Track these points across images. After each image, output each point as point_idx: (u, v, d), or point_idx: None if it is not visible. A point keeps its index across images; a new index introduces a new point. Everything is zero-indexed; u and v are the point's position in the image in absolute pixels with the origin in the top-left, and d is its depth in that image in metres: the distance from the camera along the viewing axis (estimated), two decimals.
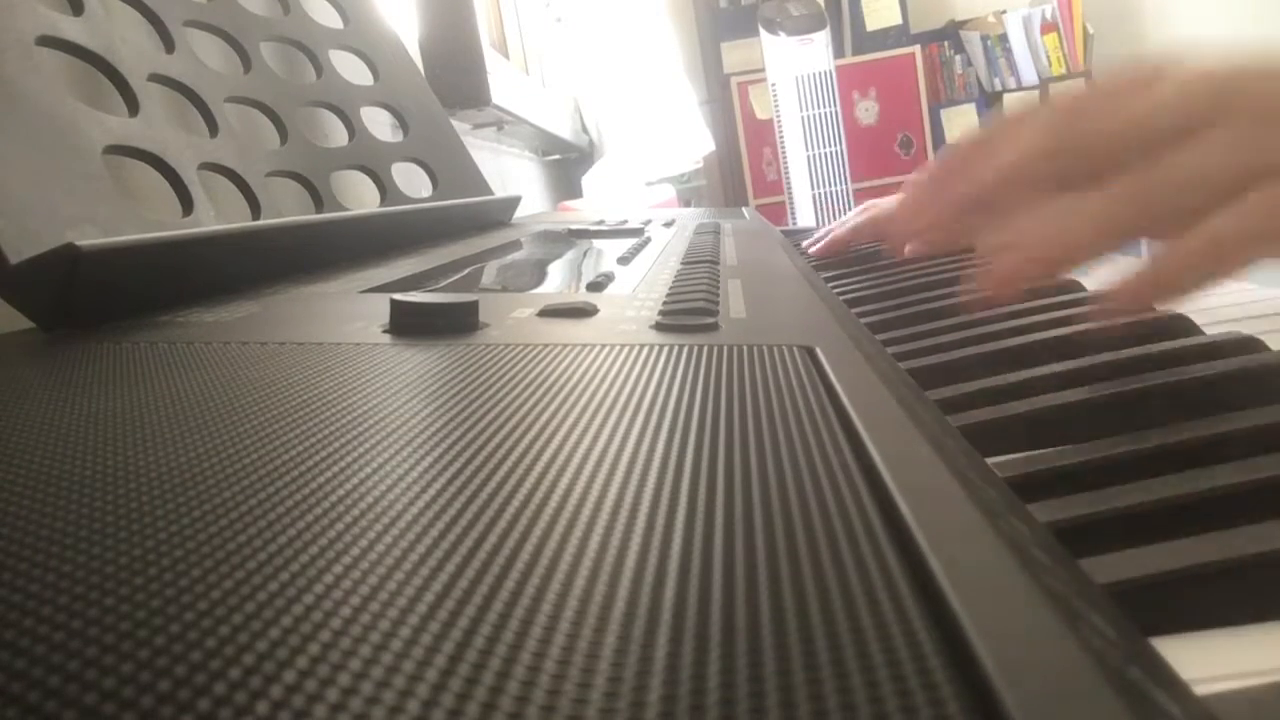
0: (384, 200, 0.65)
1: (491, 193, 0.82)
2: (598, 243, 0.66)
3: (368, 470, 0.16)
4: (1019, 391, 0.29)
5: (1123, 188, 0.28)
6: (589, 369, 0.23)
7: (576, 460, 0.16)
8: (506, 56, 1.47)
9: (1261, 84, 0.27)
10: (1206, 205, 0.26)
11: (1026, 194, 0.32)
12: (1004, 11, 2.92)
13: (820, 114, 2.57)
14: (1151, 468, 0.23)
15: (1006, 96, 2.92)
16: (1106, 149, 0.29)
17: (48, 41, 0.39)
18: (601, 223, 0.80)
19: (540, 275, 0.49)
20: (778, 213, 2.69)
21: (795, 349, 0.25)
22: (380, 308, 0.32)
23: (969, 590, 0.11)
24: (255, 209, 0.49)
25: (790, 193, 2.64)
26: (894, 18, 2.95)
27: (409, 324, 0.29)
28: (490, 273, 0.49)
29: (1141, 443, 0.24)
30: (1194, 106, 0.27)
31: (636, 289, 0.37)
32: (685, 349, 0.25)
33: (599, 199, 1.76)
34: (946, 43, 2.96)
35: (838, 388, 0.21)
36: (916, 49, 2.91)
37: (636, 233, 0.70)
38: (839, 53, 2.81)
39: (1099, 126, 0.30)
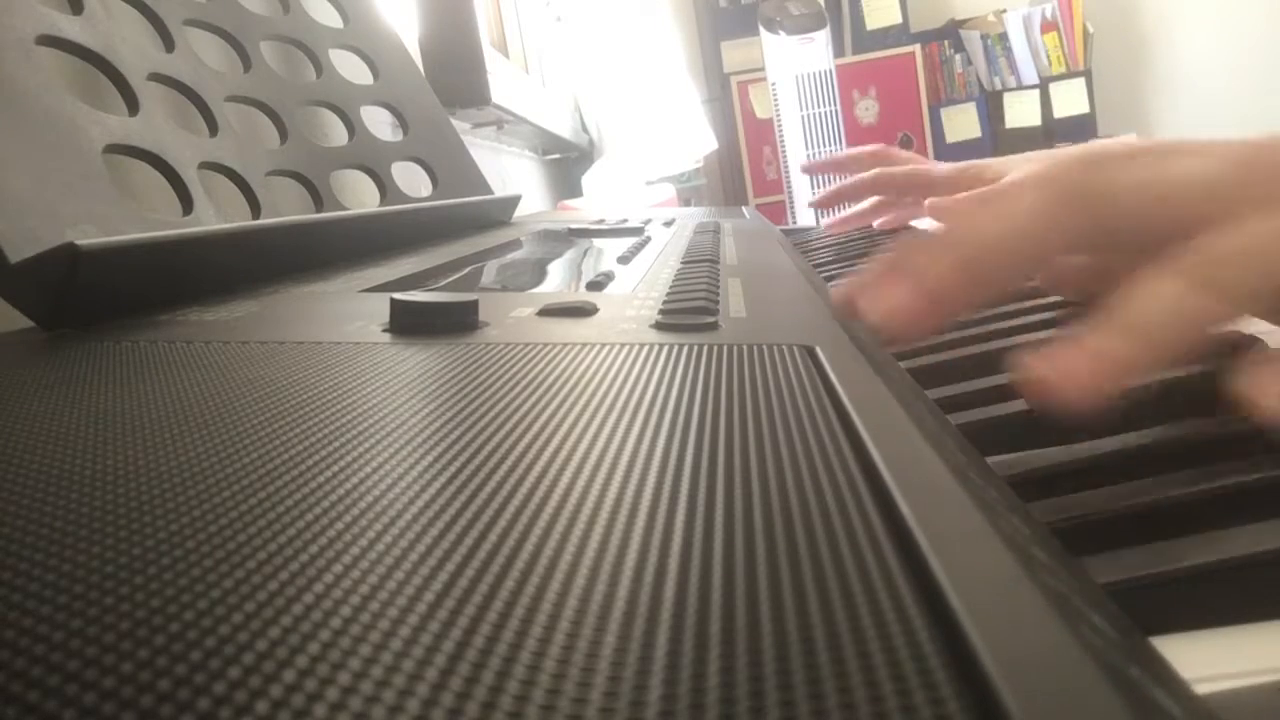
0: (384, 200, 0.65)
1: (491, 192, 0.82)
2: (598, 242, 0.66)
3: (367, 470, 0.16)
4: (1019, 391, 0.29)
5: (1193, 266, 0.24)
6: (589, 368, 0.23)
7: (576, 459, 0.16)
8: (506, 56, 1.47)
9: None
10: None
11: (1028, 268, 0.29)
12: (1004, 11, 2.92)
13: (820, 113, 2.57)
14: (1152, 467, 0.23)
15: (1006, 95, 2.92)
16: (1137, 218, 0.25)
17: (47, 41, 0.39)
18: (601, 222, 0.80)
19: (540, 274, 0.49)
20: (778, 212, 2.69)
21: (795, 348, 0.25)
22: (380, 307, 0.32)
23: (969, 590, 0.11)
24: (255, 208, 0.49)
25: (790, 192, 2.64)
26: (894, 17, 2.95)
27: (409, 323, 0.29)
28: (490, 272, 0.49)
29: (1142, 441, 0.24)
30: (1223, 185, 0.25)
31: (636, 288, 0.37)
32: (685, 348, 0.25)
33: (599, 198, 1.76)
34: (946, 42, 2.96)
35: (838, 387, 0.21)
36: (916, 48, 2.92)
37: (636, 232, 0.70)
38: (839, 52, 2.81)
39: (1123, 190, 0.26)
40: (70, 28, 0.41)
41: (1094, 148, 0.66)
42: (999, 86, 2.92)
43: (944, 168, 0.72)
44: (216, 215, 0.44)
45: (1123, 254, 0.27)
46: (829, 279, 0.58)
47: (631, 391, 0.21)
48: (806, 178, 2.59)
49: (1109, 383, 0.23)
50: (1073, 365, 0.23)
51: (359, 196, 0.70)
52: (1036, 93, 2.90)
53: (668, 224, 0.77)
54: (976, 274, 0.26)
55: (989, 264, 0.26)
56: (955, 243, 0.27)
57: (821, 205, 0.71)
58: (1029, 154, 0.69)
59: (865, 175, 0.72)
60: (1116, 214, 0.26)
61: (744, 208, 1.07)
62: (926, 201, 0.65)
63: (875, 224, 0.81)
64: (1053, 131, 2.85)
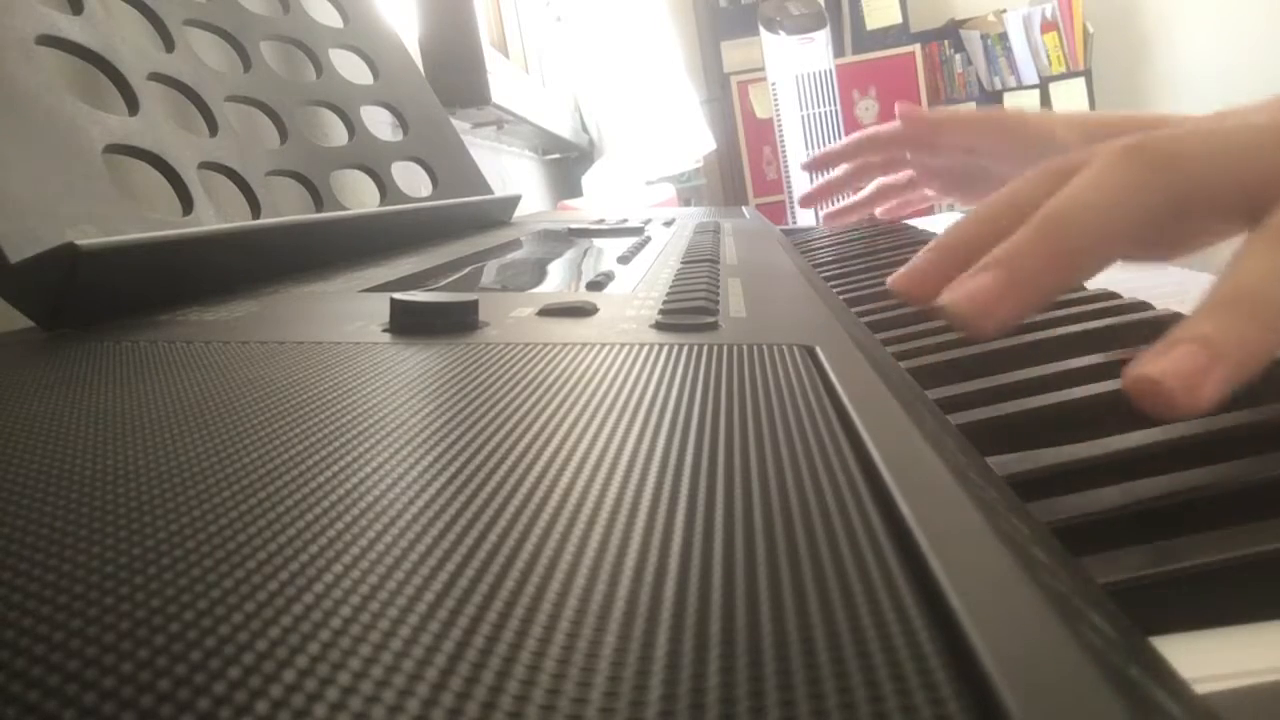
0: (384, 199, 0.65)
1: (491, 192, 0.82)
2: (597, 242, 0.66)
3: (367, 470, 0.16)
4: (1019, 390, 0.29)
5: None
6: (589, 368, 0.23)
7: (576, 459, 0.16)
8: (506, 55, 1.47)
9: None
10: None
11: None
12: (1004, 10, 2.92)
13: (820, 113, 2.57)
14: (1152, 466, 0.23)
15: (1006, 95, 2.92)
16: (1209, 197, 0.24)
17: (47, 41, 0.39)
18: (601, 222, 0.80)
19: (540, 274, 0.49)
20: (778, 212, 2.69)
21: (795, 348, 0.25)
22: (380, 307, 0.32)
23: (969, 590, 0.11)
24: (255, 208, 0.49)
25: (790, 192, 2.64)
26: (894, 17, 2.95)
27: (409, 323, 0.29)
28: (490, 272, 0.49)
29: (1142, 441, 0.24)
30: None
31: (636, 288, 0.37)
32: (685, 348, 0.25)
33: (599, 198, 1.76)
34: (946, 42, 2.96)
35: (838, 387, 0.21)
36: (916, 48, 2.92)
37: (636, 232, 0.70)
38: (839, 52, 2.81)
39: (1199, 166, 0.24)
40: (70, 28, 0.41)
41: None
42: (999, 86, 2.92)
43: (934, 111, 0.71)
44: (216, 215, 0.44)
45: (1192, 221, 0.25)
46: (829, 279, 0.58)
47: (631, 391, 0.21)
48: (806, 177, 2.59)
49: (1238, 376, 0.20)
50: (1191, 364, 0.20)
51: (359, 196, 0.70)
52: (1036, 93, 2.90)
53: (668, 224, 0.77)
54: (1064, 252, 0.24)
55: (1077, 241, 0.24)
56: (1040, 220, 0.24)
57: (811, 201, 0.70)
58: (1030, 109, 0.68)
59: (846, 142, 0.71)
60: (1190, 183, 0.24)
61: (744, 208, 1.07)
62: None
63: (878, 212, 0.80)
64: None
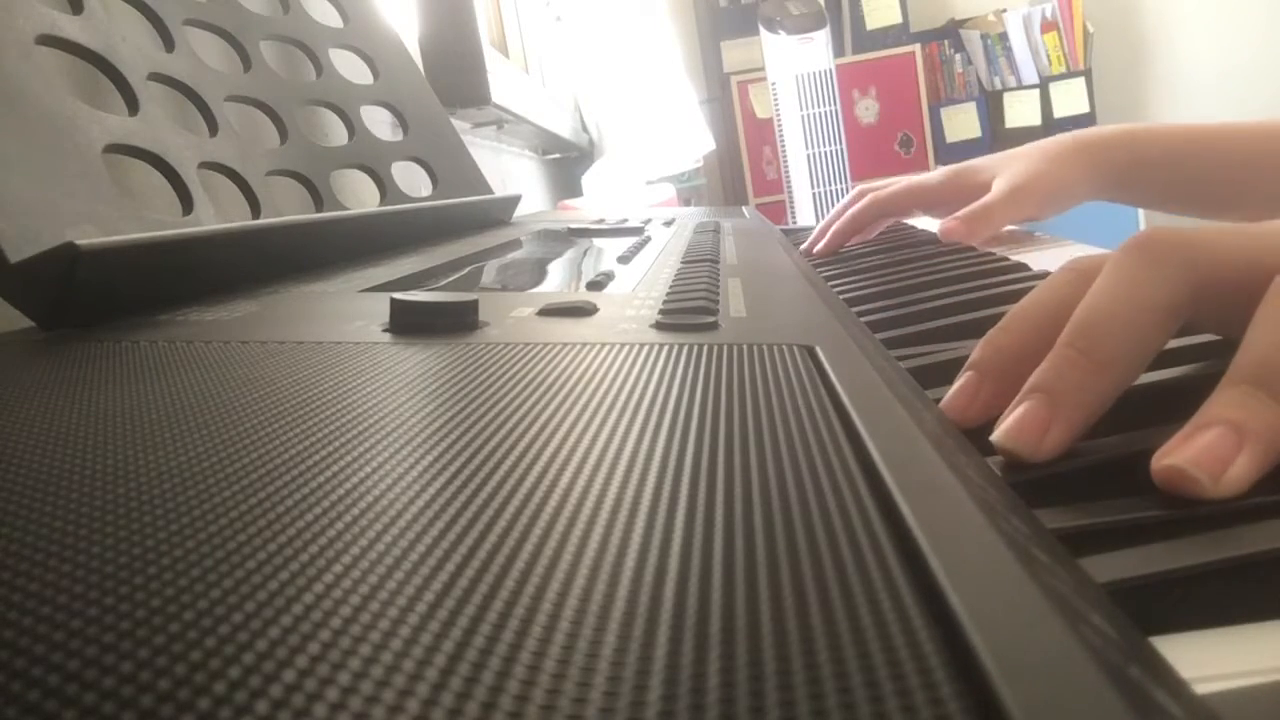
0: (384, 199, 0.65)
1: (491, 191, 0.82)
2: (598, 242, 0.66)
3: (367, 469, 0.16)
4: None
5: None
6: (589, 368, 0.23)
7: (576, 459, 0.16)
8: (506, 55, 1.47)
9: None
10: None
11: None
12: (1004, 10, 2.92)
13: (820, 113, 2.57)
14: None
15: (1006, 95, 2.92)
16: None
17: (47, 40, 0.39)
18: (601, 221, 0.80)
19: (540, 274, 0.49)
20: (778, 212, 2.69)
21: (795, 348, 0.25)
22: (380, 307, 0.32)
23: (969, 590, 0.11)
24: (255, 208, 0.49)
25: (790, 192, 2.64)
26: (894, 16, 2.95)
27: (409, 323, 0.29)
28: (490, 272, 0.49)
29: (1142, 442, 0.24)
30: None
31: (636, 288, 0.37)
32: (685, 348, 0.25)
33: (599, 198, 1.76)
34: (946, 41, 2.96)
35: (838, 387, 0.21)
36: (916, 48, 2.91)
37: (636, 231, 0.70)
38: (839, 52, 2.81)
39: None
40: (70, 28, 0.41)
41: (1089, 137, 0.65)
42: (999, 86, 2.92)
43: (935, 175, 0.72)
44: (216, 215, 0.44)
45: (1215, 313, 0.25)
46: (829, 279, 0.58)
47: (631, 391, 0.21)
48: (806, 178, 2.59)
49: (1267, 461, 0.20)
50: (1218, 452, 0.19)
51: (359, 196, 0.70)
52: (1036, 92, 2.90)
53: (668, 224, 0.77)
54: (1102, 363, 0.23)
55: (1111, 348, 0.23)
56: (1069, 335, 0.24)
57: (825, 254, 0.70)
58: (1013, 151, 0.69)
59: (857, 208, 0.71)
60: (1217, 272, 0.24)
61: (744, 208, 1.07)
62: (940, 227, 0.64)
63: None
64: (1053, 131, 2.85)
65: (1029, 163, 0.66)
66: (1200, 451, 0.20)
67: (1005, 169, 0.67)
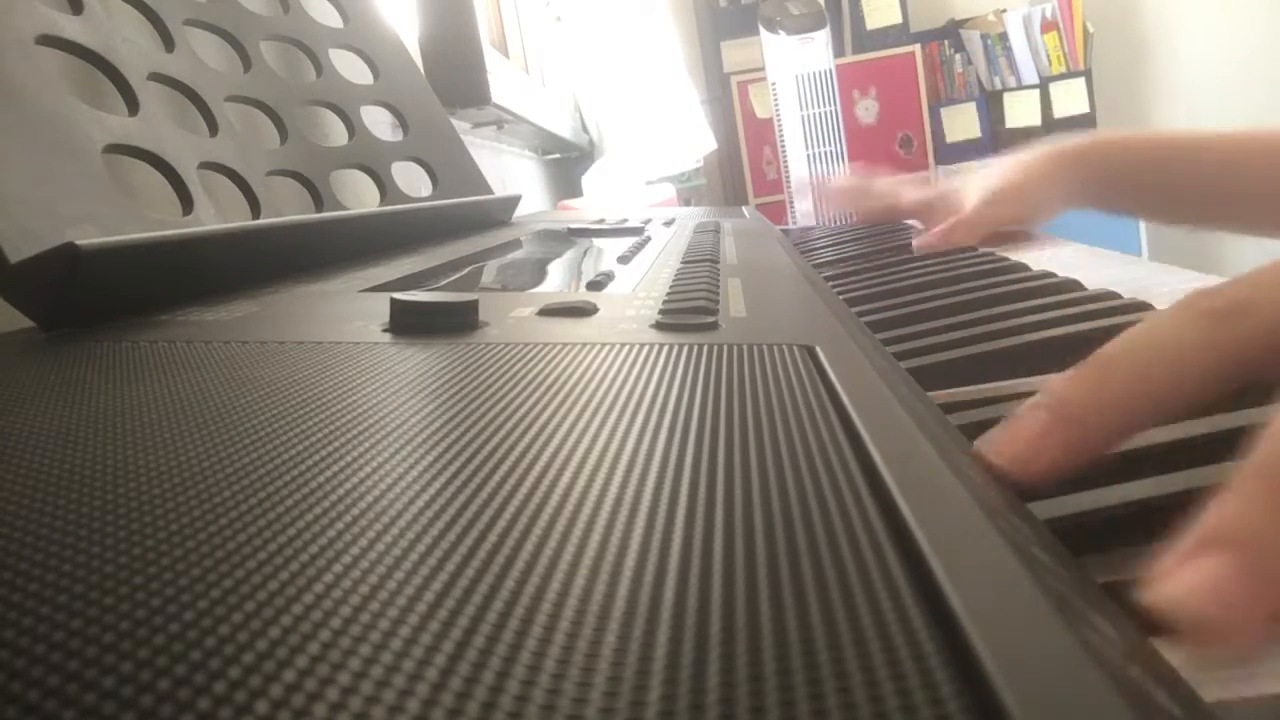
0: (384, 199, 0.65)
1: (491, 192, 0.82)
2: (598, 242, 0.66)
3: (367, 470, 0.16)
4: (1018, 390, 0.29)
5: None
6: (589, 368, 0.23)
7: (576, 459, 0.16)
8: (506, 55, 1.46)
9: None
10: None
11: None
12: (1004, 10, 2.91)
13: (820, 113, 2.57)
14: (1153, 465, 0.23)
15: (1006, 95, 2.92)
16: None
17: (48, 40, 0.39)
18: (601, 222, 0.80)
19: (540, 274, 0.49)
20: (778, 212, 2.69)
21: (795, 348, 0.25)
22: (380, 307, 0.32)
23: (969, 590, 0.11)
24: (255, 208, 0.49)
25: (790, 192, 2.64)
26: (894, 16, 2.95)
27: (409, 323, 0.29)
28: (490, 272, 0.49)
29: (1142, 441, 0.24)
30: None
31: (636, 288, 0.37)
32: (685, 348, 0.25)
33: (599, 198, 1.76)
34: (946, 42, 2.96)
35: (838, 387, 0.21)
36: (916, 48, 2.91)
37: (636, 231, 0.70)
38: (839, 52, 2.81)
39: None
40: (70, 28, 0.41)
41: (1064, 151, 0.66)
42: (999, 86, 2.92)
43: (913, 195, 0.75)
44: (216, 215, 0.44)
45: (1254, 370, 0.23)
46: (829, 279, 0.58)
47: (631, 391, 0.21)
48: (807, 177, 2.59)
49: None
50: (1212, 585, 0.15)
51: (359, 196, 0.70)
52: (1036, 93, 2.90)
53: (668, 224, 0.77)
54: (1123, 392, 0.22)
55: (1126, 381, 0.22)
56: (1090, 361, 0.23)
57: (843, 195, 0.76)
58: (988, 163, 0.71)
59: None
60: (1258, 326, 0.22)
61: (744, 208, 1.07)
62: (916, 243, 0.67)
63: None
64: (1053, 131, 2.85)
65: (1002, 171, 0.68)
66: (1198, 580, 0.16)
67: (977, 183, 0.69)
